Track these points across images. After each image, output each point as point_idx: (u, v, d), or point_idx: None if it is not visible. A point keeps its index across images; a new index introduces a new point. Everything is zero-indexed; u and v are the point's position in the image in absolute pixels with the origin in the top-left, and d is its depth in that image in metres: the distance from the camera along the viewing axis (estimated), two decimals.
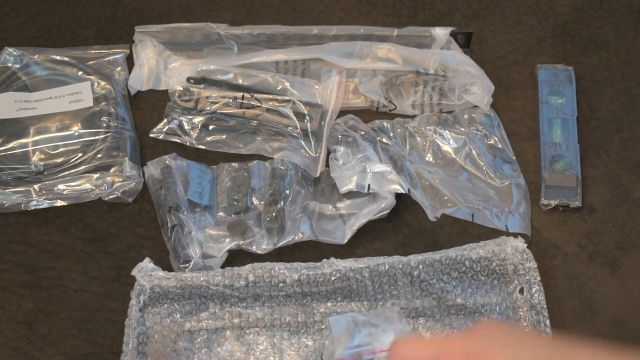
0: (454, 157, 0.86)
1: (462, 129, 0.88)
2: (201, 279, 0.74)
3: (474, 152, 0.86)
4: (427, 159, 0.86)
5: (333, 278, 0.75)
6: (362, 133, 0.85)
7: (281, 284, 0.75)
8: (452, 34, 0.91)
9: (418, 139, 0.87)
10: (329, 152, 0.85)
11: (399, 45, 0.89)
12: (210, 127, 0.88)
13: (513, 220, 0.81)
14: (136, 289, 0.74)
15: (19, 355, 0.76)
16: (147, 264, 0.75)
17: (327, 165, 0.85)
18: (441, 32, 0.91)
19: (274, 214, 0.81)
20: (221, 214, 0.83)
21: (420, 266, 0.75)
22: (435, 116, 0.89)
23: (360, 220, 0.81)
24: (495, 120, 0.88)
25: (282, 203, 0.82)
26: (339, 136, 0.84)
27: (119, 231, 0.82)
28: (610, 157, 0.87)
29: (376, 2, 0.97)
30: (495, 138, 0.87)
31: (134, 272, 0.74)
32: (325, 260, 0.75)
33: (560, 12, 0.97)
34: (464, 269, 0.76)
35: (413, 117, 0.89)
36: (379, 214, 0.81)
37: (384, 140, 0.86)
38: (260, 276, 0.74)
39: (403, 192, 0.79)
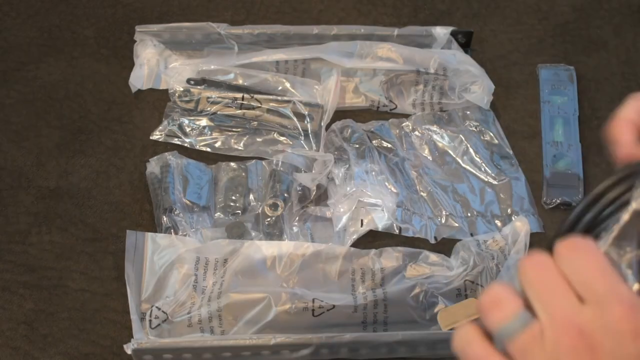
0: (451, 154, 0.86)
1: (458, 127, 0.88)
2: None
3: (470, 149, 0.86)
4: (424, 158, 0.87)
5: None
6: (357, 146, 0.84)
7: None
8: (453, 34, 0.91)
9: (414, 139, 0.88)
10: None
11: (399, 45, 0.89)
12: (211, 129, 0.88)
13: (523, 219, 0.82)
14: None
15: (19, 355, 0.75)
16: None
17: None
18: (441, 32, 0.91)
19: (273, 219, 0.81)
20: (219, 214, 0.83)
21: None
22: (430, 115, 0.89)
23: (359, 231, 0.80)
24: (490, 115, 0.89)
25: (281, 208, 0.82)
26: (334, 159, 0.83)
27: (119, 231, 0.82)
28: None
29: (376, 2, 0.97)
30: (491, 134, 0.87)
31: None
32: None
33: (560, 12, 0.97)
34: None
35: (408, 117, 0.89)
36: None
37: (383, 143, 0.86)
38: None
39: (395, 232, 0.80)
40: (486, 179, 0.85)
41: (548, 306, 0.41)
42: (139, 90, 0.91)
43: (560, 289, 0.41)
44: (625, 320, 0.39)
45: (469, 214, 0.83)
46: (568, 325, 0.40)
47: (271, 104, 0.88)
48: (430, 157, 0.86)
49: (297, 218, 0.82)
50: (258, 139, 0.87)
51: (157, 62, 0.92)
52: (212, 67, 0.90)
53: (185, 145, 0.87)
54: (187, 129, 0.88)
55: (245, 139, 0.87)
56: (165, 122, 0.88)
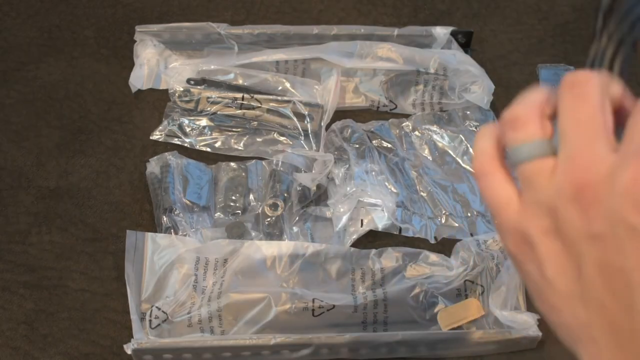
0: (451, 154, 0.86)
1: (458, 127, 0.88)
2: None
3: (470, 149, 0.86)
4: (424, 158, 0.87)
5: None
6: (357, 146, 0.84)
7: None
8: (453, 34, 0.91)
9: (414, 139, 0.88)
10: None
11: (399, 45, 0.89)
12: (211, 129, 0.88)
13: None
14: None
15: (19, 355, 0.75)
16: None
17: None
18: (441, 32, 0.91)
19: (273, 219, 0.81)
20: (219, 214, 0.83)
21: None
22: (430, 115, 0.89)
23: (359, 231, 0.80)
24: (490, 115, 0.89)
25: (281, 208, 0.82)
26: (334, 159, 0.83)
27: (119, 231, 0.82)
28: None
29: (376, 2, 0.97)
30: None
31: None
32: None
33: (560, 12, 0.97)
34: None
35: (408, 117, 0.89)
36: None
37: (383, 143, 0.86)
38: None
39: (395, 232, 0.80)
40: None
41: (573, 146, 0.36)
42: (139, 90, 0.91)
43: (596, 127, 0.36)
44: (634, 186, 0.33)
45: (469, 214, 0.83)
46: (581, 174, 0.35)
47: (271, 104, 0.88)
48: (430, 157, 0.86)
49: (297, 218, 0.82)
50: (258, 139, 0.87)
51: (157, 62, 0.92)
52: (212, 67, 0.90)
53: (185, 145, 0.87)
54: (187, 129, 0.88)
55: (245, 139, 0.87)
56: (165, 122, 0.88)
